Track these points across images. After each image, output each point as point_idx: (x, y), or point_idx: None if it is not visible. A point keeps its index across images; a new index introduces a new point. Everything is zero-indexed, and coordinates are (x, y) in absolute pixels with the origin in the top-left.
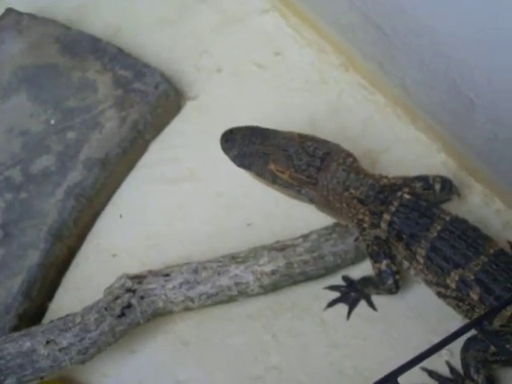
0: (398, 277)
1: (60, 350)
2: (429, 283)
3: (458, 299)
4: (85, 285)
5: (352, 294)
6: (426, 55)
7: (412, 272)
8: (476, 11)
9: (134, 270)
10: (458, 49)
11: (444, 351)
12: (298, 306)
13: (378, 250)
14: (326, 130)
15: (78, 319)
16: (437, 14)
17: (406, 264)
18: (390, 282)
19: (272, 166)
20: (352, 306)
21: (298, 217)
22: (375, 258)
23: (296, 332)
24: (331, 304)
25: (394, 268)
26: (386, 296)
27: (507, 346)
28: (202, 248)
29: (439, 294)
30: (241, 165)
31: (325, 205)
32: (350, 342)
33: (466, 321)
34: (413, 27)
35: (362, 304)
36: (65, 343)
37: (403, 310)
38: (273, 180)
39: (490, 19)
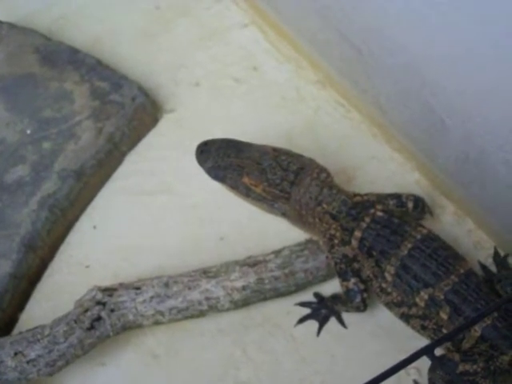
0: (365, 295)
1: (28, 362)
2: (390, 305)
3: (424, 318)
4: (57, 296)
5: (323, 310)
6: (399, 75)
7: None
8: (448, 33)
9: (107, 281)
10: (432, 70)
11: (412, 370)
12: (268, 322)
13: (346, 269)
14: (302, 147)
15: (47, 331)
16: (410, 35)
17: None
18: (358, 300)
19: (246, 179)
20: (322, 322)
21: (272, 231)
22: (343, 277)
23: (266, 348)
24: (302, 320)
25: (362, 286)
26: (357, 314)
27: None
28: (175, 261)
29: (402, 316)
30: (215, 177)
31: (297, 219)
32: (319, 359)
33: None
34: (387, 47)
35: (333, 321)
36: (33, 355)
37: (373, 327)
38: (246, 193)
39: (463, 41)
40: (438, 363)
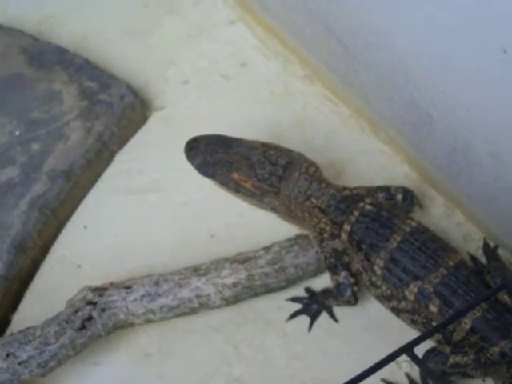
0: (356, 288)
1: (20, 363)
2: (380, 298)
3: (413, 312)
4: (49, 296)
5: (314, 305)
6: (385, 69)
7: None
8: (432, 27)
9: (99, 281)
10: (416, 64)
11: (404, 363)
12: (260, 318)
13: (336, 263)
14: (291, 141)
15: (38, 332)
16: (394, 29)
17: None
18: (348, 294)
19: (235, 175)
20: (314, 317)
21: (262, 228)
22: (333, 271)
23: (258, 344)
24: (293, 316)
25: (352, 280)
26: (348, 308)
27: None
28: (166, 259)
29: (393, 309)
30: (204, 173)
31: (287, 214)
32: (311, 354)
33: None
34: (372, 41)
35: (324, 316)
36: (24, 356)
37: (364, 322)
38: (236, 189)
39: (446, 36)
40: (421, 360)
